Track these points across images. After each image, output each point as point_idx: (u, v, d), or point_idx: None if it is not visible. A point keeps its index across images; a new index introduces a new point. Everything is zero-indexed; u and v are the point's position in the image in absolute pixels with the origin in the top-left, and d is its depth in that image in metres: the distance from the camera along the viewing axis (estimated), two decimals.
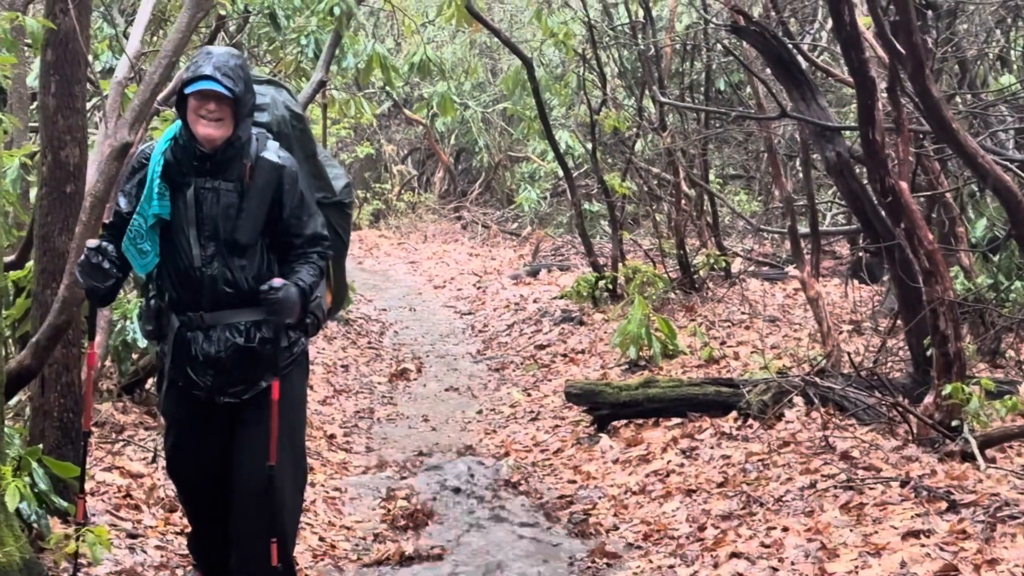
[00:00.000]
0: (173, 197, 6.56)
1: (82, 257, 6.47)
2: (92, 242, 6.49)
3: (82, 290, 6.75)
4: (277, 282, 6.52)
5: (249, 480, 6.70)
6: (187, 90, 6.43)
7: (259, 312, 6.61)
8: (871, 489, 8.43)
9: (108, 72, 12.34)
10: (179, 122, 6.60)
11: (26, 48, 11.31)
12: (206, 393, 6.70)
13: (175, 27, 7.86)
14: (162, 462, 8.38)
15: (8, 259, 8.57)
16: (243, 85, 6.46)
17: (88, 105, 8.88)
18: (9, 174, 9.84)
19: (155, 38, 13.57)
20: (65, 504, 7.25)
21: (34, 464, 7.06)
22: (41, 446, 7.39)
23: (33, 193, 9.99)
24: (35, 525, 6.99)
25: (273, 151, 6.66)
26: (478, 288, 22.59)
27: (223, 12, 10.94)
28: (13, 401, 8.47)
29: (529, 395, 14.17)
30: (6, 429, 6.97)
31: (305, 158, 7.04)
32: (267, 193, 6.60)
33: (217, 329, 6.62)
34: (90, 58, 8.11)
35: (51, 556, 6.94)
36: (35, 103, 13.19)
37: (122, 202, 6.68)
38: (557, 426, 12.46)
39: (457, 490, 10.39)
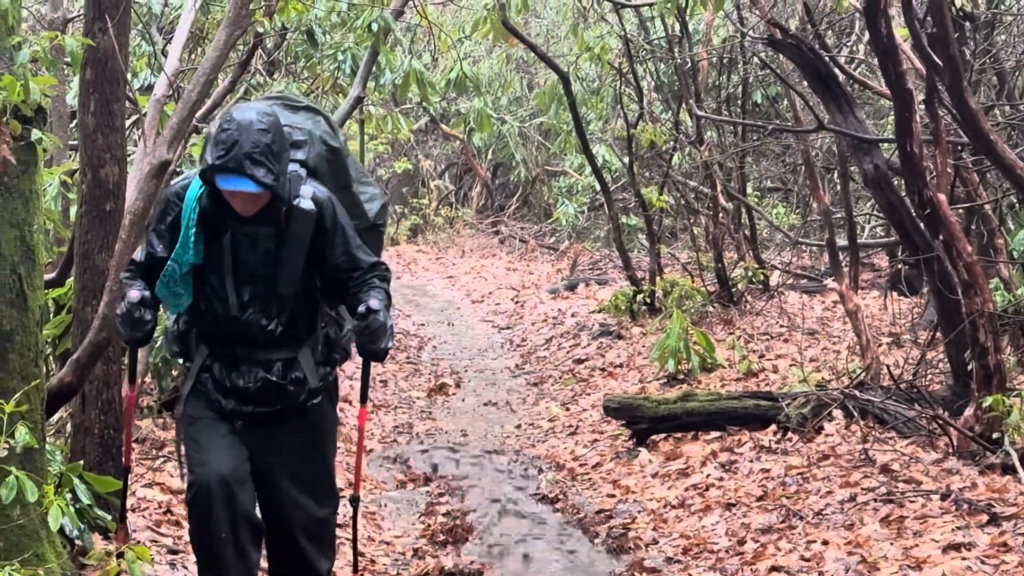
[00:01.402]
0: (207, 241, 6.33)
1: (123, 310, 6.29)
2: (134, 295, 6.28)
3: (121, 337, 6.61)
4: (374, 304, 6.28)
5: (291, 526, 6.59)
6: (219, 184, 6.09)
7: (292, 351, 6.44)
8: (911, 502, 8.41)
9: (146, 90, 12.39)
10: None
11: (65, 67, 11.36)
12: (227, 414, 6.47)
13: (213, 45, 7.89)
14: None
15: (48, 276, 8.61)
16: (277, 164, 6.07)
17: (127, 123, 8.92)
18: (50, 192, 9.89)
19: (193, 56, 13.62)
20: (107, 519, 7.29)
21: (75, 480, 7.10)
22: (82, 462, 7.42)
23: (73, 211, 10.05)
24: (77, 541, 7.02)
25: (307, 196, 6.34)
26: (516, 302, 22.58)
27: (260, 30, 10.94)
28: (54, 418, 8.50)
29: (568, 409, 14.16)
30: (47, 446, 7.01)
31: (339, 189, 6.69)
32: (303, 240, 6.34)
33: (248, 364, 6.43)
34: (128, 76, 8.16)
35: (93, 573, 6.97)
36: (74, 121, 13.28)
37: (156, 244, 6.42)
38: (596, 440, 12.45)
39: (496, 504, 10.40)
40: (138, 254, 6.62)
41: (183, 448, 6.81)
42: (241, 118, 6.07)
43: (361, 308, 6.28)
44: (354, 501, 6.95)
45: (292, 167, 6.37)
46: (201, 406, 6.53)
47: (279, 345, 6.43)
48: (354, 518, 7.02)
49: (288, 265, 6.33)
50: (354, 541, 7.05)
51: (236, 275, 6.33)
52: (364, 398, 6.98)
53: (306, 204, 6.33)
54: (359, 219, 6.80)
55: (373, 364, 6.83)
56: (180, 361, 7.07)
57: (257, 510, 6.50)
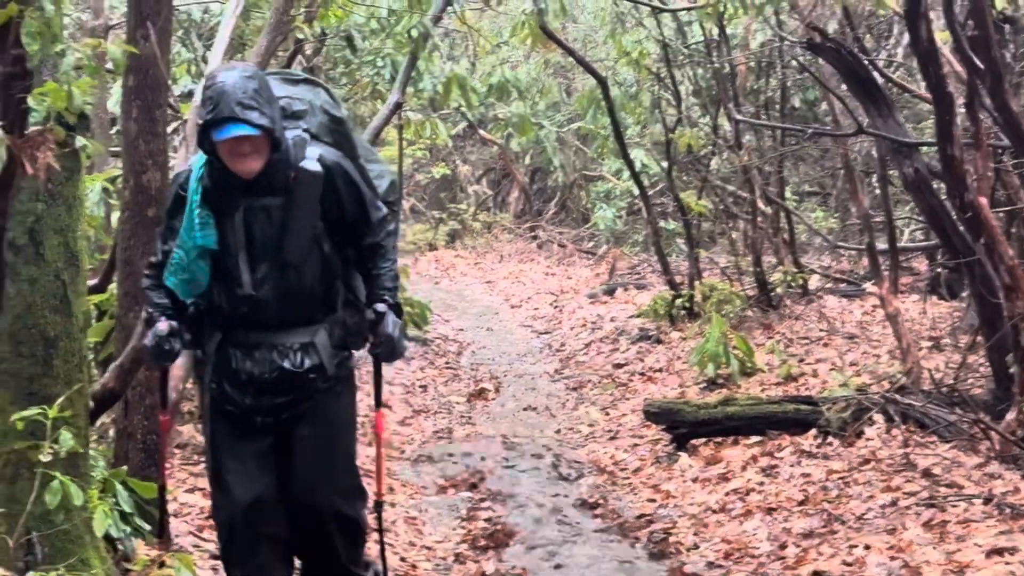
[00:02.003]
0: (219, 222, 6.12)
1: (152, 342, 6.16)
2: (163, 327, 6.14)
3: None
4: (380, 307, 6.24)
5: (319, 505, 6.39)
6: (214, 136, 5.88)
7: (310, 333, 6.26)
8: (954, 507, 8.38)
9: (187, 96, 12.46)
10: None
11: (107, 74, 11.43)
12: (245, 411, 6.31)
13: (254, 51, 7.96)
14: None
15: (91, 282, 8.65)
16: (268, 107, 5.92)
17: (168, 129, 8.97)
18: (92, 198, 9.95)
19: (233, 62, 13.68)
20: (148, 527, 7.32)
21: (118, 486, 7.13)
22: (125, 467, 7.47)
23: (115, 217, 10.11)
24: (120, 547, 7.05)
25: (313, 157, 6.17)
26: (555, 307, 22.59)
27: (300, 36, 11.02)
28: (97, 423, 8.53)
29: (607, 414, 14.15)
30: (91, 451, 7.04)
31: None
32: (312, 205, 6.15)
33: (263, 349, 6.24)
34: (169, 83, 8.20)
35: None
36: (115, 128, 13.36)
37: (167, 240, 6.27)
38: (636, 444, 12.44)
39: (537, 508, 10.41)
40: (154, 254, 6.47)
41: (207, 462, 6.63)
42: (224, 73, 6.00)
43: (369, 314, 6.29)
44: (378, 506, 6.80)
45: (296, 132, 6.21)
46: (218, 419, 6.41)
47: (294, 326, 6.25)
48: (379, 521, 6.87)
49: (295, 231, 6.15)
50: (381, 546, 6.91)
51: (250, 251, 6.14)
52: (379, 401, 6.81)
53: (312, 166, 6.15)
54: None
55: (398, 366, 6.75)
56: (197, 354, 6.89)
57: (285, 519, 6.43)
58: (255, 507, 6.28)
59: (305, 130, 6.30)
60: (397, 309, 6.35)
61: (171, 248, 6.20)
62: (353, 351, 6.58)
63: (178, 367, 7.62)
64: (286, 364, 6.22)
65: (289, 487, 6.37)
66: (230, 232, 6.12)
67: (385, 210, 6.44)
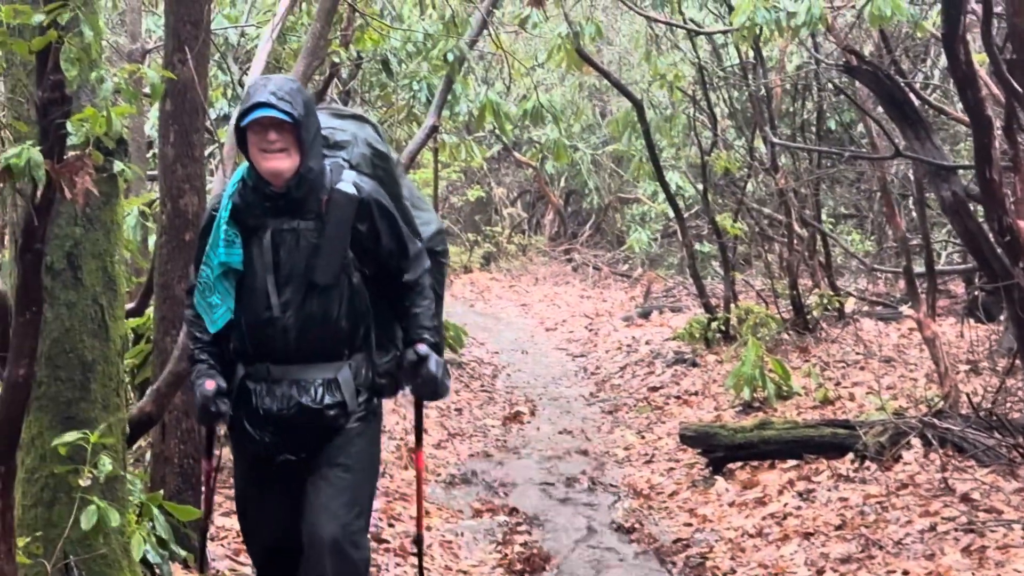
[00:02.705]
0: (247, 243, 5.96)
1: (199, 402, 5.98)
2: (210, 387, 5.95)
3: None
4: (421, 348, 6.04)
5: (321, 538, 5.97)
6: (243, 122, 5.84)
7: (333, 370, 5.99)
8: (993, 532, 8.34)
9: (223, 120, 12.50)
10: (246, 163, 6.01)
11: (144, 97, 11.48)
12: (265, 450, 6.06)
13: (291, 74, 7.94)
14: None
15: (128, 306, 8.68)
16: (303, 108, 5.84)
17: (205, 153, 9.00)
18: (128, 222, 9.98)
19: None
20: (185, 552, 7.34)
21: (155, 510, 7.14)
22: (162, 492, 7.48)
23: (151, 240, 10.15)
24: (158, 571, 7.05)
25: (349, 181, 6.02)
26: (590, 330, 22.58)
27: (336, 59, 11.06)
28: (134, 447, 8.54)
29: (643, 437, 14.12)
30: (128, 475, 7.06)
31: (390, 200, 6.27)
32: (344, 229, 5.95)
33: (283, 384, 5.97)
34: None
35: None
36: (151, 151, 13.42)
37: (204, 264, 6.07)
38: (672, 468, 12.40)
39: (572, 532, 10.38)
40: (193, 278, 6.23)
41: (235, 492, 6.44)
42: (270, 76, 6.06)
43: (411, 355, 6.08)
44: (418, 542, 6.73)
45: (335, 160, 6.12)
46: (241, 462, 6.31)
47: (317, 360, 6.00)
48: (419, 558, 6.78)
49: (326, 254, 5.93)
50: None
51: (277, 273, 5.94)
52: (419, 440, 6.63)
53: (348, 188, 6.00)
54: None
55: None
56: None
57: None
58: (275, 553, 6.20)
59: (346, 160, 6.20)
60: (437, 348, 6.18)
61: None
62: (382, 397, 6.35)
63: None
64: (305, 400, 5.96)
65: (305, 518, 6.05)
66: (257, 253, 5.97)
67: (421, 245, 6.27)
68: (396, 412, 13.00)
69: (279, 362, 5.98)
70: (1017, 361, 11.06)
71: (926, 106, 12.99)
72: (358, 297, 6.06)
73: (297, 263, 5.93)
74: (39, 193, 5.24)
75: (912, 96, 11.49)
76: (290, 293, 5.92)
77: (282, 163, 5.84)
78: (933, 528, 8.71)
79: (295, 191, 5.89)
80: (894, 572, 8.06)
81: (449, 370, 6.09)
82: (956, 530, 8.55)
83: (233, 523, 8.86)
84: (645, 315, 22.45)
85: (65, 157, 5.24)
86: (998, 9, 10.33)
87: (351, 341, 6.07)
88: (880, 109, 13.03)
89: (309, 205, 5.93)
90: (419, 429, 6.65)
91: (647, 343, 19.61)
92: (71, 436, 6.11)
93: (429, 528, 10.07)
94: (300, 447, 6.03)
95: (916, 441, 10.54)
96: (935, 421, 10.66)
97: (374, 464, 6.33)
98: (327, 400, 5.96)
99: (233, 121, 6.28)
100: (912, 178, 14.60)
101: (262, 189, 5.92)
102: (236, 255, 5.96)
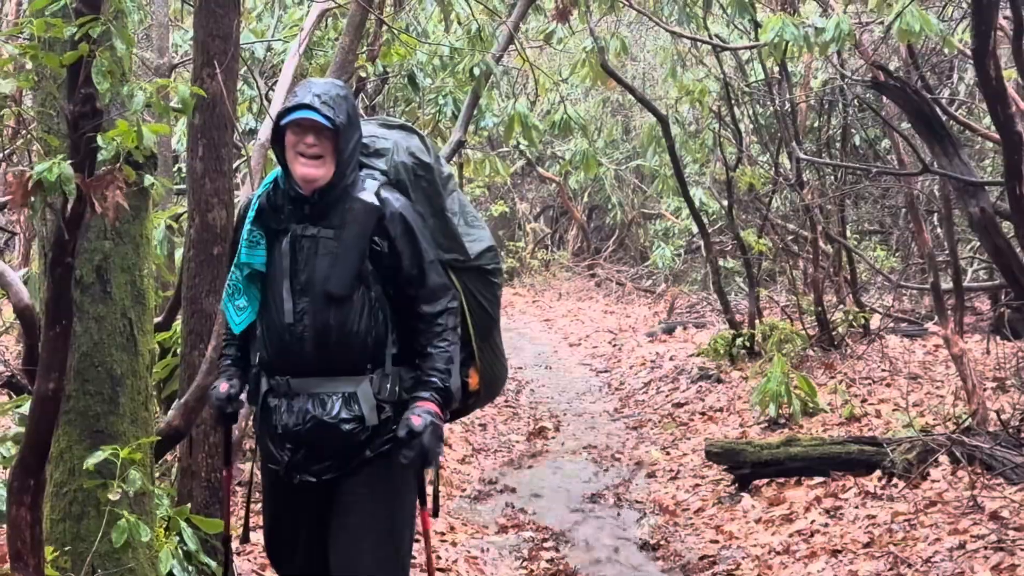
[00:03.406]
0: (269, 246, 5.87)
1: (214, 404, 6.05)
2: (223, 388, 5.99)
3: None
4: (416, 423, 5.68)
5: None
6: (283, 121, 5.77)
7: (352, 383, 5.81)
8: (1023, 550, 8.28)
9: (248, 134, 12.52)
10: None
11: (172, 112, 11.49)
12: (284, 469, 5.90)
13: None
14: None
15: (156, 320, 8.68)
16: (346, 117, 5.74)
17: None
18: (156, 236, 9.99)
19: None
20: (212, 565, 7.32)
21: (183, 524, 7.14)
22: (189, 505, 7.47)
23: (178, 254, 10.16)
24: None
25: (371, 190, 5.85)
26: (613, 345, 22.55)
27: (363, 74, 11.06)
28: (160, 461, 8.53)
29: (668, 454, 14.08)
30: (156, 489, 7.05)
31: (432, 214, 6.11)
32: (362, 238, 5.78)
33: (300, 398, 5.81)
34: None
35: None
36: (177, 165, 13.43)
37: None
38: (697, 485, 12.37)
39: (598, 548, 10.36)
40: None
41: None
42: (316, 79, 5.97)
43: (402, 431, 5.71)
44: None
45: (365, 172, 5.97)
46: (266, 476, 6.13)
47: (335, 374, 5.82)
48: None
49: (341, 262, 5.78)
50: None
51: (293, 280, 5.81)
52: (423, 500, 6.16)
53: (368, 197, 5.83)
54: (455, 253, 6.18)
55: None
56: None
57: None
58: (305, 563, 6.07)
59: (383, 173, 6.04)
60: (446, 395, 5.87)
61: None
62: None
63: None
64: (320, 413, 5.80)
65: (330, 549, 5.96)
66: (277, 257, 5.87)
67: (445, 281, 6.01)
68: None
69: (299, 375, 5.83)
70: None
71: (953, 122, 12.95)
72: (380, 310, 5.88)
73: (315, 271, 5.80)
74: (70, 207, 5.25)
75: (939, 112, 11.46)
76: (306, 302, 5.79)
77: (316, 171, 5.74)
78: (962, 546, 8.67)
79: (321, 197, 5.79)
80: None
81: (442, 435, 5.80)
82: (985, 548, 8.51)
83: (258, 537, 8.82)
84: (669, 331, 22.40)
85: (97, 171, 5.24)
86: None
87: (374, 355, 5.89)
88: (906, 125, 13.00)
89: (333, 214, 5.81)
90: (422, 489, 6.17)
91: (671, 359, 19.57)
92: (104, 451, 6.11)
93: (455, 544, 10.06)
94: (319, 467, 5.86)
95: (944, 458, 10.50)
96: (963, 438, 10.62)
97: (404, 497, 6.07)
98: (344, 414, 5.79)
99: (259, 152, 6.25)
100: (939, 194, 14.54)
101: (290, 191, 5.84)
102: (259, 256, 5.88)
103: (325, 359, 5.80)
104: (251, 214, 5.90)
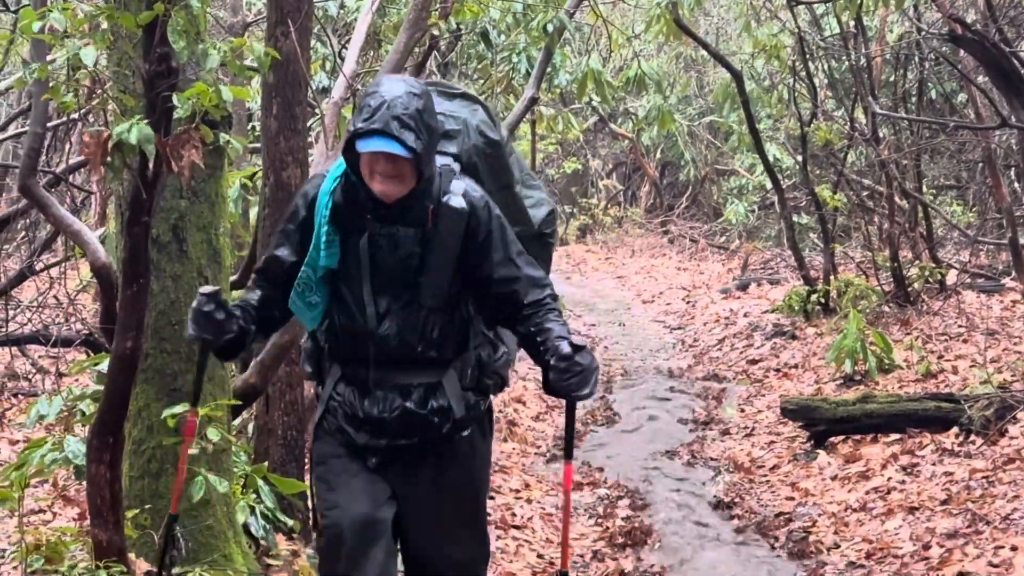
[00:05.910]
0: (343, 243, 5.50)
1: (193, 304, 5.39)
2: (206, 288, 5.42)
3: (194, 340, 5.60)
4: (574, 342, 5.35)
5: (426, 560, 5.73)
6: (359, 147, 5.24)
7: (437, 373, 5.54)
8: None
9: (321, 92, 12.52)
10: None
11: (246, 71, 11.51)
12: (355, 451, 5.60)
13: (393, 48, 7.98)
14: None
15: (231, 278, 8.71)
16: (427, 134, 5.25)
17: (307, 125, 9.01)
18: (231, 195, 10.02)
19: (368, 58, 13.72)
20: (290, 522, 7.36)
21: (260, 481, 7.17)
22: (266, 463, 7.51)
23: (253, 213, 10.19)
24: (262, 541, 7.09)
25: (458, 193, 5.46)
26: (687, 302, 22.50)
27: (435, 32, 11.03)
28: (237, 420, 8.54)
29: (742, 411, 14.03)
30: (233, 447, 7.09)
31: (499, 190, 5.81)
32: (453, 244, 5.43)
33: (383, 387, 5.52)
34: None
35: (279, 573, 7.04)
36: (250, 124, 13.47)
37: (282, 249, 5.59)
38: (772, 442, 12.33)
39: (673, 506, 10.35)
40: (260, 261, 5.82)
41: (314, 490, 5.78)
42: (390, 83, 5.35)
43: (565, 348, 5.31)
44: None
45: (444, 160, 5.59)
46: (331, 443, 5.69)
47: (420, 367, 5.55)
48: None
49: (434, 272, 5.45)
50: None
51: (373, 281, 5.48)
52: (569, 452, 5.70)
53: (456, 202, 5.44)
54: (521, 225, 5.93)
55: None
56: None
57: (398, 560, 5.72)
58: (369, 525, 5.50)
59: (456, 157, 5.71)
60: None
61: (281, 255, 5.58)
62: (490, 395, 5.85)
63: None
64: (408, 404, 5.50)
65: (405, 531, 5.68)
66: (353, 256, 5.51)
67: (542, 274, 5.67)
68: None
69: (379, 367, 5.55)
70: None
71: None
72: (462, 307, 5.66)
73: (395, 270, 5.48)
74: (150, 167, 5.27)
75: (1018, 65, 11.32)
76: (387, 303, 5.50)
77: (394, 189, 5.34)
78: None
79: (399, 203, 5.38)
80: (1002, 547, 7.96)
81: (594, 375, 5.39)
82: None
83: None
84: (743, 287, 22.32)
85: (174, 131, 5.26)
86: None
87: (457, 344, 5.65)
88: (984, 78, 12.85)
89: (414, 213, 5.43)
90: (570, 437, 5.74)
91: (745, 315, 19.50)
92: (179, 408, 6.14)
93: (529, 501, 10.06)
94: (399, 453, 5.60)
95: (1023, 415, 10.41)
96: None
97: (484, 476, 5.95)
98: (432, 405, 5.53)
99: (332, 109, 6.14)
100: (1017, 148, 14.39)
101: (366, 192, 5.41)
102: (334, 256, 5.53)
103: (408, 353, 5.52)
104: (326, 212, 5.48)
